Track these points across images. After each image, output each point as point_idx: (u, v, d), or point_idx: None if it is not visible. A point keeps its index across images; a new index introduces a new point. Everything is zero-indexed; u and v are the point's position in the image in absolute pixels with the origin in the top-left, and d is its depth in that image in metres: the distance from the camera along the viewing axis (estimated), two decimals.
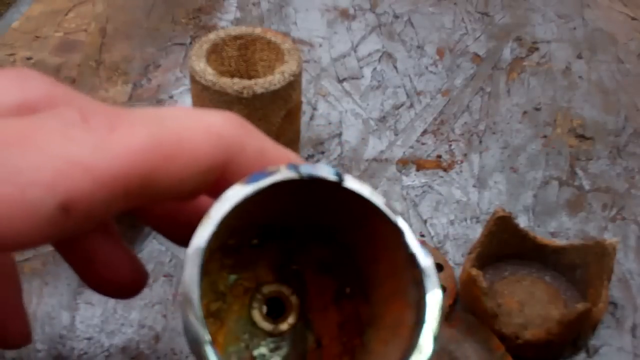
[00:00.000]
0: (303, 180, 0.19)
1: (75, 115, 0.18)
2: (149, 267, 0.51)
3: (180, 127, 0.19)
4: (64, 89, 0.20)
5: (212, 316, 0.23)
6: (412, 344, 0.19)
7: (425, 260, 0.20)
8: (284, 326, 0.23)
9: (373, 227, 0.21)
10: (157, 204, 0.21)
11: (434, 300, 0.20)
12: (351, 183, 0.20)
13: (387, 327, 0.21)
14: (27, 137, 0.17)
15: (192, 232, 0.22)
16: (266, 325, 0.23)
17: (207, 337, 0.17)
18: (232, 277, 0.23)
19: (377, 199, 0.20)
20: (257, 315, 0.23)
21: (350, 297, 0.24)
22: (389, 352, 0.20)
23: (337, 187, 0.20)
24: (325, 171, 0.20)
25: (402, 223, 0.20)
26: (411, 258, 0.20)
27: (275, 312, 0.24)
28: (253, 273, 0.24)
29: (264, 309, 0.23)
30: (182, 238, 0.24)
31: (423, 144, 0.63)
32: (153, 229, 0.25)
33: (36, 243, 0.17)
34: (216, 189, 0.20)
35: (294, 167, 0.19)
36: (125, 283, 0.25)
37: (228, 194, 0.19)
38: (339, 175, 0.20)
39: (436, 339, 0.19)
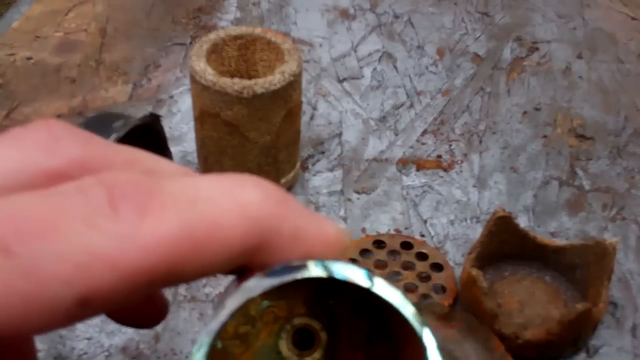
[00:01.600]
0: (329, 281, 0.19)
1: (103, 197, 0.17)
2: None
3: (214, 210, 0.18)
4: (98, 147, 0.19)
5: (238, 338, 0.23)
6: None
7: None
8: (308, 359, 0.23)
9: (397, 327, 0.21)
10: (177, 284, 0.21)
11: None
12: (381, 289, 0.19)
13: None
14: (48, 223, 0.16)
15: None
16: (291, 356, 0.23)
17: None
18: (265, 302, 0.23)
19: (407, 310, 0.20)
20: (283, 345, 0.23)
21: (382, 343, 0.24)
22: None
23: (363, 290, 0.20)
24: (356, 275, 0.19)
25: (427, 338, 0.20)
26: None
27: (303, 345, 0.23)
28: (286, 302, 0.23)
29: (292, 340, 0.24)
30: None
31: (423, 144, 0.63)
32: None
33: (48, 330, 0.16)
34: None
35: (323, 265, 0.19)
36: (147, 315, 0.24)
37: (246, 285, 0.18)
38: (371, 278, 0.19)
39: None
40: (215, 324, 0.18)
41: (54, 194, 0.17)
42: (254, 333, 0.23)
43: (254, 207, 0.19)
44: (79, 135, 0.20)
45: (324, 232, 0.20)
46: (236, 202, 0.18)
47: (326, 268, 0.19)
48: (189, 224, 0.17)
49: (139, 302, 0.19)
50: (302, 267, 0.18)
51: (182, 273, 0.18)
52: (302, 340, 0.24)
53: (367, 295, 0.24)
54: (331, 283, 0.24)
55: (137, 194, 0.17)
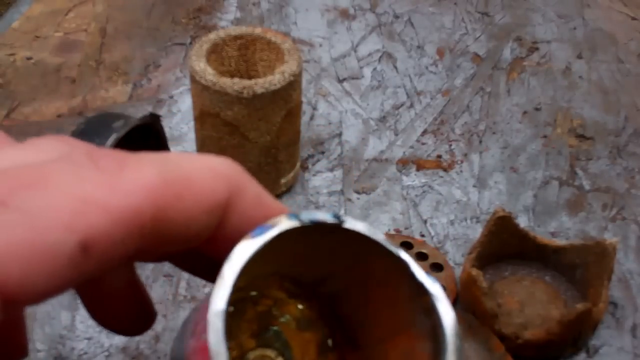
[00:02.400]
0: (303, 231, 0.20)
1: (83, 157, 0.18)
2: (149, 267, 0.51)
3: (186, 166, 0.20)
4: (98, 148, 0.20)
5: None
6: None
7: (433, 286, 0.20)
8: None
9: (369, 267, 0.22)
10: (171, 248, 0.21)
11: (450, 323, 0.20)
12: (351, 224, 0.20)
13: None
14: (40, 179, 0.17)
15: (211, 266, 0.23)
16: None
17: None
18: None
19: (377, 235, 0.20)
20: None
21: (334, 348, 0.24)
22: None
23: (337, 229, 0.20)
24: (324, 216, 0.20)
25: (404, 255, 0.21)
26: (418, 288, 0.20)
27: None
28: (235, 342, 0.24)
29: None
30: (206, 274, 0.25)
31: (423, 144, 0.63)
32: (177, 266, 0.25)
33: (58, 288, 0.17)
34: (213, 238, 0.20)
35: (295, 215, 0.20)
36: (132, 322, 0.24)
37: (237, 250, 0.19)
38: (338, 217, 0.20)
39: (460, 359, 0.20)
40: (222, 295, 0.18)
41: (43, 160, 0.18)
42: None
43: (221, 166, 0.20)
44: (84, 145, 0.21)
45: (280, 204, 0.22)
46: (205, 162, 0.20)
47: (297, 218, 0.20)
48: (166, 174, 0.19)
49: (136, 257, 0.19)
50: (278, 222, 0.19)
51: (168, 223, 0.19)
52: None
53: (310, 303, 0.24)
54: (272, 302, 0.24)
55: (114, 155, 0.19)
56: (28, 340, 0.25)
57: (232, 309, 0.24)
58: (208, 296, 0.21)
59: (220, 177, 0.20)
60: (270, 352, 0.24)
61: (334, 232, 0.20)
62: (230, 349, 0.23)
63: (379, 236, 0.20)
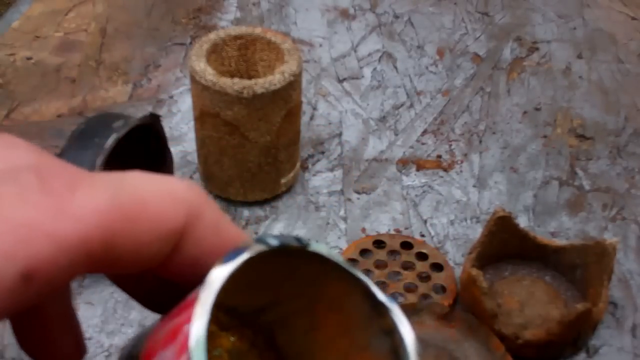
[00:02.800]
0: (266, 259, 0.20)
1: (32, 178, 0.17)
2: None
3: (142, 189, 0.19)
4: (50, 159, 0.19)
5: None
6: None
7: (392, 305, 0.21)
8: None
9: (323, 291, 0.22)
10: (120, 273, 0.20)
11: (411, 342, 0.20)
12: (314, 246, 0.20)
13: None
14: None
15: (163, 299, 0.22)
16: None
17: None
18: None
19: (338, 258, 0.21)
20: None
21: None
22: None
23: (297, 253, 0.20)
24: (290, 239, 0.20)
25: (363, 276, 0.21)
26: (376, 308, 0.21)
27: None
28: None
29: None
30: (154, 304, 0.24)
31: (423, 144, 0.63)
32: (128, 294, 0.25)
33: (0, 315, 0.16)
34: (167, 262, 0.20)
35: (262, 240, 0.20)
36: (63, 355, 0.24)
37: (213, 276, 0.18)
38: (301, 241, 0.20)
39: None
40: (201, 322, 0.18)
41: None
42: None
43: (178, 190, 0.20)
44: (31, 146, 0.20)
45: (241, 232, 0.21)
46: (163, 185, 0.19)
47: (264, 242, 0.20)
48: (118, 199, 0.18)
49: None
50: (247, 246, 0.19)
51: (119, 249, 0.18)
52: None
53: (252, 332, 0.24)
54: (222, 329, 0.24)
55: (65, 174, 0.18)
56: (83, 337, 0.25)
57: None
58: (158, 323, 0.21)
59: (178, 203, 0.19)
60: None
61: (292, 256, 0.20)
62: None
63: (339, 258, 0.21)
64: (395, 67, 0.72)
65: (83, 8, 0.79)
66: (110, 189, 0.18)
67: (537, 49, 0.76)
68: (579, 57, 0.75)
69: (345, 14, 0.80)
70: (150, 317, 0.47)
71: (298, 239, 0.20)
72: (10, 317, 0.20)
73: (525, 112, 0.67)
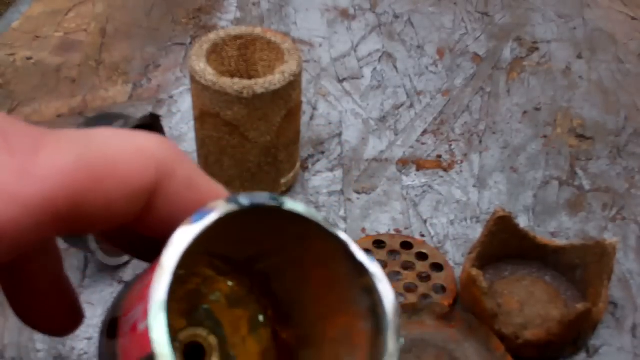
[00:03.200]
0: (242, 213, 0.20)
1: None
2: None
3: (110, 147, 0.18)
4: (13, 120, 0.19)
5: None
6: (378, 351, 0.20)
7: (372, 265, 0.21)
8: None
9: (308, 247, 0.22)
10: (93, 230, 0.20)
11: (390, 301, 0.20)
12: (290, 205, 0.20)
13: (333, 341, 0.22)
14: None
15: (142, 245, 0.22)
16: None
17: None
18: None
19: (317, 216, 0.21)
20: None
21: (265, 323, 0.24)
22: None
23: (277, 211, 0.20)
24: (263, 198, 0.20)
25: (344, 235, 0.21)
26: (357, 268, 0.21)
27: (198, 357, 0.24)
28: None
29: (183, 357, 0.23)
30: (141, 253, 0.24)
31: (423, 144, 0.63)
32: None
33: None
34: (142, 218, 0.20)
35: (234, 199, 0.19)
36: (58, 321, 0.23)
37: (176, 237, 0.18)
38: (277, 199, 0.20)
39: (399, 339, 0.20)
40: (162, 286, 0.17)
41: None
42: None
43: (149, 147, 0.19)
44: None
45: (216, 187, 0.21)
46: (132, 142, 0.19)
47: (236, 201, 0.19)
48: (85, 157, 0.18)
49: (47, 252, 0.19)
50: (216, 206, 0.19)
51: (86, 209, 0.18)
52: (195, 352, 0.24)
53: (240, 280, 0.24)
54: (200, 280, 0.24)
55: (29, 134, 0.17)
56: (79, 302, 0.24)
57: None
58: (135, 280, 0.21)
59: (147, 160, 0.19)
60: (202, 331, 0.24)
61: (273, 214, 0.20)
62: None
63: (318, 217, 0.20)
64: (395, 67, 0.72)
65: (83, 8, 0.79)
66: (76, 148, 0.18)
67: (537, 49, 0.76)
68: (579, 57, 0.75)
69: (345, 14, 0.80)
70: None
71: (273, 198, 0.20)
72: None
73: (525, 112, 0.67)
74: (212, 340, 0.24)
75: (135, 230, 0.21)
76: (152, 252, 0.22)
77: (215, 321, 0.24)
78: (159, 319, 0.17)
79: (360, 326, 0.21)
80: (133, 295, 0.20)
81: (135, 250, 0.24)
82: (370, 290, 0.21)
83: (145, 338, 0.17)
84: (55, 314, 0.23)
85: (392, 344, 0.20)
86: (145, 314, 0.17)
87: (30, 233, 0.17)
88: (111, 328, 0.21)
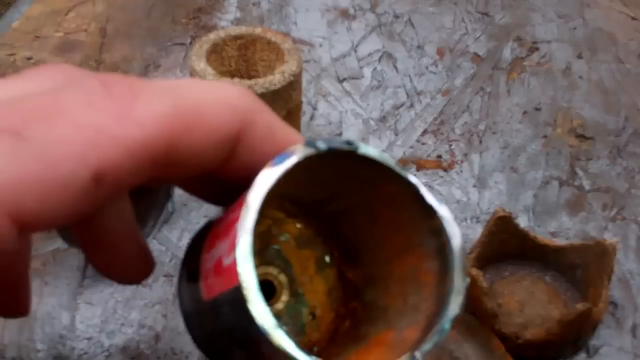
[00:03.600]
0: (317, 157, 0.21)
1: (96, 85, 0.18)
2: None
3: (198, 97, 0.20)
4: (108, 73, 0.20)
5: None
6: (445, 288, 0.21)
7: (442, 208, 0.22)
8: (279, 305, 0.25)
9: (377, 191, 0.23)
10: (180, 177, 0.21)
11: (457, 243, 0.21)
12: (364, 149, 0.21)
13: (399, 281, 0.23)
14: (53, 109, 0.17)
15: (222, 192, 0.23)
16: None
17: (275, 322, 0.18)
18: None
19: (389, 161, 0.22)
20: None
21: (332, 264, 0.25)
22: (416, 302, 0.21)
23: (351, 155, 0.21)
24: (339, 142, 0.21)
25: (414, 179, 0.22)
26: (426, 210, 0.22)
27: (269, 294, 0.25)
28: None
29: None
30: (216, 199, 0.25)
31: (423, 144, 0.63)
32: (187, 192, 0.26)
33: (71, 217, 0.17)
34: (226, 165, 0.21)
35: (312, 143, 0.20)
36: (132, 268, 0.24)
37: (260, 179, 0.19)
38: (352, 144, 0.21)
39: (465, 278, 0.22)
40: (249, 223, 0.18)
41: (54, 88, 0.18)
42: None
43: (233, 97, 0.20)
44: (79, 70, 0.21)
45: (295, 134, 0.22)
46: (217, 92, 0.20)
47: (314, 145, 0.20)
48: (178, 106, 0.19)
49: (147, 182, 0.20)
50: (296, 150, 0.20)
51: (180, 153, 0.19)
52: (267, 290, 0.25)
53: (308, 222, 0.25)
54: (271, 222, 0.25)
55: (127, 82, 0.19)
56: (30, 299, 0.25)
57: None
58: (213, 222, 0.22)
59: (232, 110, 0.20)
60: (272, 269, 0.25)
61: (347, 158, 0.21)
62: None
63: (390, 162, 0.21)
64: (395, 67, 0.72)
65: (83, 8, 0.79)
66: (169, 97, 0.19)
67: (537, 49, 0.76)
68: (579, 57, 0.75)
69: (345, 14, 0.80)
70: (150, 318, 0.47)
71: (348, 142, 0.21)
72: (82, 219, 0.21)
73: (525, 112, 0.67)
74: (282, 278, 0.25)
75: (217, 176, 0.22)
76: (227, 198, 0.23)
77: (285, 261, 0.25)
78: (246, 253, 0.18)
79: (427, 266, 0.22)
80: (215, 234, 0.21)
81: (211, 197, 0.25)
82: (438, 232, 0.21)
83: (232, 271, 0.18)
84: (131, 263, 0.24)
85: (458, 281, 0.21)
86: (230, 249, 0.18)
87: (130, 176, 0.18)
88: (192, 267, 0.22)
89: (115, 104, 0.18)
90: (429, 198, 0.22)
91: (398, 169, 0.22)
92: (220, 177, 0.22)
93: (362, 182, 0.23)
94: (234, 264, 0.18)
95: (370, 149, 0.21)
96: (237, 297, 0.17)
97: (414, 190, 0.22)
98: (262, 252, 0.25)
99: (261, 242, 0.25)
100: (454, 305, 0.21)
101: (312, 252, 0.25)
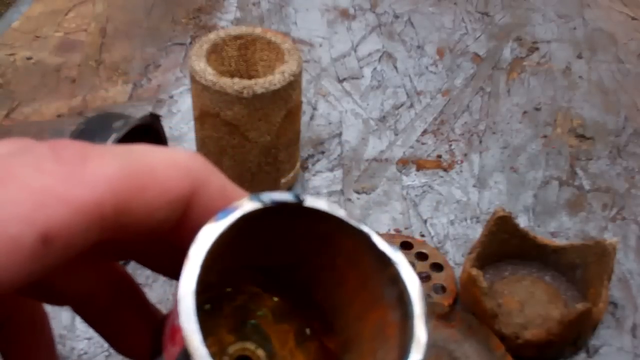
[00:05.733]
0: (267, 214, 0.20)
1: (46, 151, 0.19)
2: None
3: (150, 160, 0.20)
4: (60, 139, 0.21)
5: None
6: (406, 337, 0.20)
7: (395, 254, 0.21)
8: None
9: (337, 245, 0.22)
10: (134, 240, 0.21)
11: (414, 287, 0.21)
12: (311, 202, 0.21)
13: (369, 339, 0.22)
14: (2, 173, 0.17)
15: (172, 262, 0.23)
16: None
17: None
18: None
19: (339, 211, 0.21)
20: None
21: (312, 336, 0.25)
22: (383, 357, 0.21)
23: (300, 210, 0.21)
24: (284, 195, 0.20)
25: (366, 228, 0.21)
26: (381, 258, 0.21)
27: None
28: (214, 338, 0.24)
29: None
30: (173, 271, 0.25)
31: (423, 144, 0.63)
32: (138, 262, 0.26)
33: (21, 280, 0.17)
34: (178, 228, 0.21)
35: (256, 197, 0.20)
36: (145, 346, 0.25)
37: (202, 233, 0.19)
38: (298, 197, 0.21)
39: (427, 323, 0.21)
40: (191, 278, 0.18)
41: (5, 154, 0.19)
42: None
43: (184, 160, 0.21)
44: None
45: (243, 192, 0.22)
46: (168, 155, 0.21)
47: (259, 199, 0.20)
48: (128, 167, 0.19)
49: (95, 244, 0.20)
50: (240, 204, 0.20)
51: (130, 214, 0.19)
52: None
53: (283, 294, 0.25)
54: (246, 298, 0.25)
55: (77, 147, 0.19)
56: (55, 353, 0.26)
57: (208, 306, 0.24)
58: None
59: (183, 171, 0.20)
60: (250, 345, 0.25)
61: (298, 213, 0.21)
62: (209, 345, 0.24)
63: (340, 212, 0.21)
64: (395, 67, 0.72)
65: (83, 8, 0.79)
66: (119, 160, 0.19)
67: (537, 49, 0.76)
68: (579, 57, 0.75)
69: (345, 14, 0.80)
70: None
71: (296, 195, 0.21)
72: (31, 281, 0.22)
73: (525, 112, 0.67)
74: (261, 353, 0.24)
75: (172, 243, 0.22)
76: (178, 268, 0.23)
77: (264, 336, 0.25)
78: (187, 307, 0.17)
79: (391, 317, 0.21)
80: (173, 301, 0.20)
81: (169, 269, 0.25)
82: (396, 279, 0.21)
83: (179, 333, 0.18)
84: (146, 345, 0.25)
85: (419, 330, 0.20)
86: (175, 311, 0.18)
87: (79, 237, 0.18)
88: (160, 339, 0.22)
89: (64, 167, 0.18)
90: (382, 245, 0.21)
91: (349, 219, 0.21)
92: (175, 244, 0.22)
93: (320, 239, 0.22)
94: (179, 325, 0.18)
95: (318, 201, 0.21)
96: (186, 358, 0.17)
97: (367, 239, 0.21)
98: (239, 328, 0.25)
99: (238, 317, 0.25)
100: (415, 355, 0.20)
101: (291, 326, 0.25)
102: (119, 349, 0.25)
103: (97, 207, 0.18)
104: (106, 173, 0.18)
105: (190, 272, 0.18)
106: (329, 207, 0.21)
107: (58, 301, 0.24)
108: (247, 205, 0.20)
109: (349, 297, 0.23)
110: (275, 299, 0.25)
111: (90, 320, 0.24)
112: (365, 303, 0.22)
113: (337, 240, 0.22)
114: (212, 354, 0.22)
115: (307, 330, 0.25)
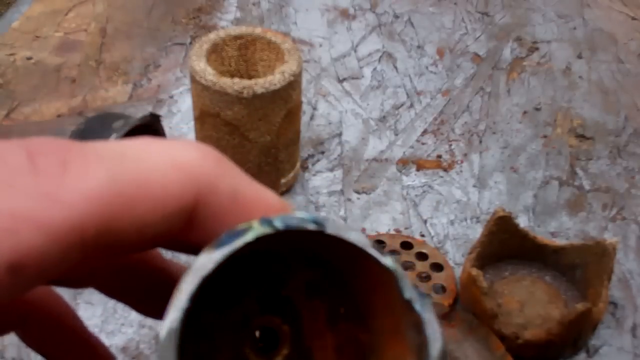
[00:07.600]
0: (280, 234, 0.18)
1: (21, 157, 0.16)
2: None
3: (144, 164, 0.17)
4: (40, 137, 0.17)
5: (201, 359, 0.22)
6: None
7: (422, 307, 0.19)
8: (278, 359, 0.23)
9: (364, 264, 0.20)
10: (120, 255, 0.18)
11: (436, 350, 0.18)
12: (334, 229, 0.18)
13: None
14: None
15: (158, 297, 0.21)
16: None
17: None
18: (218, 314, 0.22)
19: (364, 242, 0.19)
20: (249, 352, 0.23)
21: (346, 318, 0.23)
22: None
23: (318, 235, 0.18)
24: (302, 221, 0.18)
25: (393, 266, 0.19)
26: (409, 302, 0.19)
27: (268, 346, 0.23)
28: (239, 307, 0.22)
29: (256, 344, 0.23)
30: (150, 309, 0.23)
31: (423, 144, 0.63)
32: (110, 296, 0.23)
33: None
34: (182, 237, 0.18)
35: (267, 221, 0.18)
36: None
37: (197, 263, 0.17)
38: (318, 222, 0.18)
39: None
40: (176, 312, 0.16)
41: None
42: (216, 347, 0.22)
43: (188, 162, 0.18)
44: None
45: (265, 196, 0.19)
46: (169, 156, 0.17)
47: (270, 224, 0.17)
48: (117, 178, 0.16)
49: (76, 267, 0.17)
50: (247, 229, 0.17)
51: (116, 234, 0.16)
52: (266, 340, 0.23)
53: (320, 270, 0.23)
54: (281, 266, 0.23)
55: (57, 149, 0.16)
56: (102, 345, 0.24)
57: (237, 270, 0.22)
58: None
59: (186, 177, 0.17)
60: (276, 320, 0.22)
61: (317, 236, 0.18)
62: (232, 314, 0.22)
63: (366, 243, 0.19)
64: (395, 67, 0.72)
65: (83, 8, 0.79)
66: (106, 167, 0.16)
67: (537, 49, 0.76)
68: (579, 57, 0.75)
69: (345, 14, 0.80)
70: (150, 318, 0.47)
71: (314, 220, 0.18)
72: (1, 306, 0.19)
73: (525, 112, 0.67)
74: (286, 329, 0.22)
75: (175, 250, 0.19)
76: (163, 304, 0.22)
77: (294, 310, 0.23)
78: (168, 349, 0.16)
79: (409, 358, 0.19)
80: None
81: (145, 306, 0.23)
82: (419, 328, 0.19)
83: None
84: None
85: None
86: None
87: (55, 262, 0.16)
88: None
89: (39, 180, 0.15)
90: (410, 292, 0.18)
91: (376, 253, 0.18)
92: (180, 251, 0.19)
93: (347, 252, 0.20)
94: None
95: (340, 230, 0.18)
96: None
97: (394, 277, 0.19)
98: (270, 298, 0.22)
99: (270, 286, 0.22)
100: None
101: (324, 303, 0.23)
102: None
103: (76, 231, 0.16)
104: (89, 187, 0.16)
105: (176, 308, 0.16)
106: (355, 238, 0.18)
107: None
108: (254, 232, 0.17)
109: (378, 310, 0.21)
110: (313, 273, 0.22)
111: (32, 343, 0.22)
112: (391, 327, 0.21)
113: (363, 260, 0.19)
114: (234, 324, 0.20)
115: (342, 310, 0.22)
